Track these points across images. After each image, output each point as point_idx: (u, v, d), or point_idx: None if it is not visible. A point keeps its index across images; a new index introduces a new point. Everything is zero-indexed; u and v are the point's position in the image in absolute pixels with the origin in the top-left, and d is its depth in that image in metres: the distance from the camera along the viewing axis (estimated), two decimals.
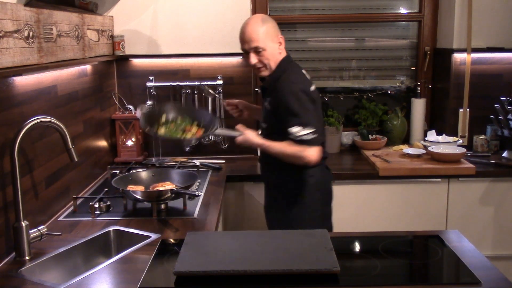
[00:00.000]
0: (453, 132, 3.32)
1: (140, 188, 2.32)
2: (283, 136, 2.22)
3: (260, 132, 2.41)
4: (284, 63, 2.33)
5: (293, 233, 1.86)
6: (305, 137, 2.18)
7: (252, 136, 2.29)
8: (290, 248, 1.71)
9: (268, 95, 2.33)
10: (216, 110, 3.25)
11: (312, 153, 2.20)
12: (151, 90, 3.25)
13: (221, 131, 2.59)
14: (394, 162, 3.00)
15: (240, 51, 3.24)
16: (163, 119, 2.38)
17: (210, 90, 2.49)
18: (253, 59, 2.27)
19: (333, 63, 3.64)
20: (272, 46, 2.27)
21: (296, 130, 2.18)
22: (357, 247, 1.92)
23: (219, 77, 3.25)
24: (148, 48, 3.22)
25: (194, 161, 3.12)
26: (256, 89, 3.33)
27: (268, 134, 2.34)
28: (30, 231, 1.84)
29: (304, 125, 2.18)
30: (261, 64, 2.29)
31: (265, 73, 2.32)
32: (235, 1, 3.20)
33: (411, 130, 3.49)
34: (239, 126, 2.33)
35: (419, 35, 3.54)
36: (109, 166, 3.01)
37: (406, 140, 3.51)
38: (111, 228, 2.09)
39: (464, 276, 1.61)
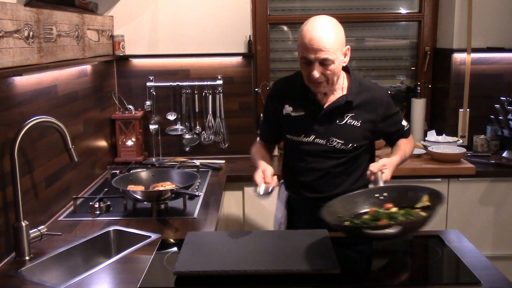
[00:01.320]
0: (453, 132, 3.32)
1: (140, 188, 2.32)
2: (370, 149, 2.10)
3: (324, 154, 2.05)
4: (349, 68, 2.07)
5: (293, 233, 1.86)
6: (409, 126, 2.18)
7: (390, 162, 1.91)
8: (290, 248, 1.71)
9: (352, 110, 2.01)
10: (216, 110, 3.25)
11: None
12: (151, 90, 3.26)
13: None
14: None
15: (240, 51, 3.29)
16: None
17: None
18: (317, 72, 1.88)
19: None
20: (340, 59, 1.92)
21: (405, 123, 2.15)
22: (357, 247, 1.91)
23: (219, 77, 3.25)
24: (148, 48, 3.22)
25: (194, 161, 3.12)
26: (256, 90, 3.33)
27: (352, 153, 2.03)
28: (30, 231, 1.84)
29: (402, 116, 2.18)
30: (324, 79, 1.91)
31: (323, 89, 1.96)
32: (235, 1, 3.19)
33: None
34: (373, 168, 1.85)
35: (419, 35, 3.53)
36: (109, 166, 3.01)
37: None
38: (111, 228, 2.09)
39: (464, 276, 1.61)
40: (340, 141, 2.01)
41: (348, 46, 1.97)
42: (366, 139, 2.05)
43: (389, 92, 2.38)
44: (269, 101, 2.18)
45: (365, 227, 1.62)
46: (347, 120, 2.01)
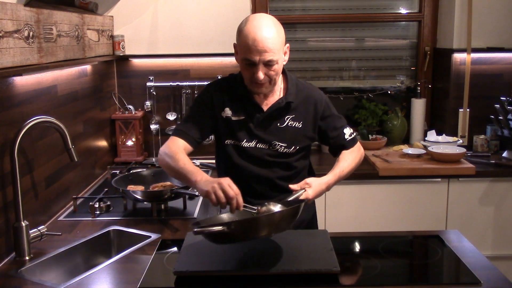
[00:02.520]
0: (453, 132, 3.32)
1: (140, 188, 2.32)
2: (308, 150, 2.06)
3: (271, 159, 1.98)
4: (284, 69, 2.00)
5: (293, 233, 1.85)
6: (354, 135, 2.07)
7: (314, 182, 1.84)
8: (290, 248, 1.71)
9: (292, 111, 1.97)
10: None
11: (362, 149, 2.10)
12: (151, 90, 3.26)
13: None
14: (394, 162, 3.00)
15: None
16: None
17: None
18: (262, 73, 1.82)
19: (333, 63, 3.63)
20: (282, 58, 1.87)
21: (349, 131, 2.04)
22: (357, 247, 1.91)
23: (219, 77, 3.24)
24: (148, 48, 3.22)
25: (194, 161, 3.09)
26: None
27: (296, 155, 2.00)
28: (30, 231, 1.84)
29: (347, 124, 2.07)
30: (267, 79, 1.85)
31: (265, 90, 1.90)
32: (235, 1, 3.20)
33: (411, 130, 3.49)
34: (294, 186, 1.82)
35: (419, 35, 3.54)
36: (109, 166, 3.01)
37: (406, 140, 3.51)
38: (111, 228, 2.09)
39: (464, 276, 1.61)
40: (283, 144, 1.95)
41: (287, 45, 1.90)
42: (309, 139, 2.00)
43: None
44: (206, 97, 2.00)
45: (201, 226, 1.56)
46: (288, 122, 1.96)
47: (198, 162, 3.05)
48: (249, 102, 1.96)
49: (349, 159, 2.00)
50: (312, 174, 2.13)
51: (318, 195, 1.85)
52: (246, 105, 1.96)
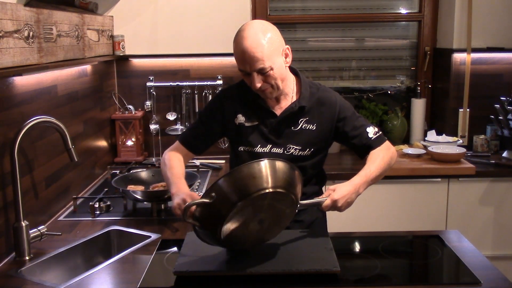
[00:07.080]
0: (453, 132, 3.32)
1: (140, 188, 2.32)
2: (326, 151, 2.03)
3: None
4: (298, 72, 1.99)
5: (293, 233, 1.86)
6: (380, 134, 1.97)
7: (343, 185, 1.79)
8: (290, 248, 1.71)
9: (305, 114, 1.93)
10: None
11: (394, 148, 2.00)
12: (151, 90, 3.26)
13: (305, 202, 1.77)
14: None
15: None
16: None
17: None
18: (258, 82, 1.80)
19: (333, 63, 3.63)
20: (279, 62, 1.82)
21: (372, 130, 1.95)
22: (357, 247, 1.91)
23: (219, 77, 3.25)
24: (148, 48, 3.22)
25: (194, 161, 3.11)
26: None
27: (311, 159, 1.96)
28: (30, 231, 1.84)
29: (370, 124, 2.00)
30: (268, 86, 1.83)
31: (270, 95, 1.87)
32: (235, 1, 3.19)
33: (411, 130, 3.49)
34: (323, 200, 1.76)
35: (419, 35, 3.54)
36: (109, 166, 3.01)
37: (406, 140, 3.51)
38: (111, 228, 2.09)
39: (464, 276, 1.61)
40: (297, 147, 1.92)
41: (287, 46, 1.86)
42: (323, 141, 1.97)
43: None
44: (216, 105, 2.00)
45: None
46: (302, 125, 1.93)
47: (198, 162, 3.06)
48: (262, 107, 1.94)
49: (376, 159, 1.90)
50: (323, 178, 2.11)
51: (345, 195, 1.77)
52: (259, 111, 1.94)
